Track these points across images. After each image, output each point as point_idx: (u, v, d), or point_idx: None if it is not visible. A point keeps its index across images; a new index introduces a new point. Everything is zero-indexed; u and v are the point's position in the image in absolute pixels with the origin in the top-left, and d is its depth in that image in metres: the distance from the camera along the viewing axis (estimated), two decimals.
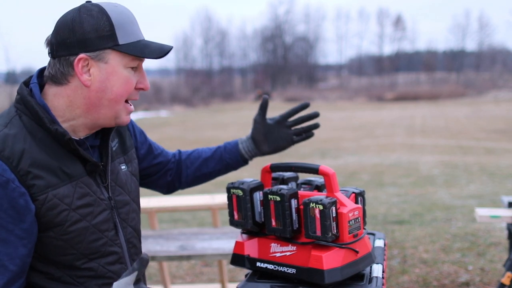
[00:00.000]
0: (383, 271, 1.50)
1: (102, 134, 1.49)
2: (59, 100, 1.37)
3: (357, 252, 1.41)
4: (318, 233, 1.38)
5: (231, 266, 4.79)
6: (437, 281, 4.31)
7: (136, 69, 1.41)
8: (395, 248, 5.16)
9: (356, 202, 1.53)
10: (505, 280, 3.31)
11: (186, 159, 1.87)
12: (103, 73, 1.35)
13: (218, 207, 4.02)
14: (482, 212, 3.70)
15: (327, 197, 1.41)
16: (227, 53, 66.16)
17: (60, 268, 1.38)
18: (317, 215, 1.38)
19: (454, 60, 63.62)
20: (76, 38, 1.32)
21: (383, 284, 1.44)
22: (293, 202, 1.46)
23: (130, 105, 1.45)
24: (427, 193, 8.04)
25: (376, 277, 1.45)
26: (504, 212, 3.65)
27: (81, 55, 1.33)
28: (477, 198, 7.42)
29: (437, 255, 4.94)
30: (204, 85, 52.03)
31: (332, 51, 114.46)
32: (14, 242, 1.27)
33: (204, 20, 64.57)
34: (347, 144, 15.20)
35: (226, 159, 1.84)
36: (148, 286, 1.57)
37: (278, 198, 1.45)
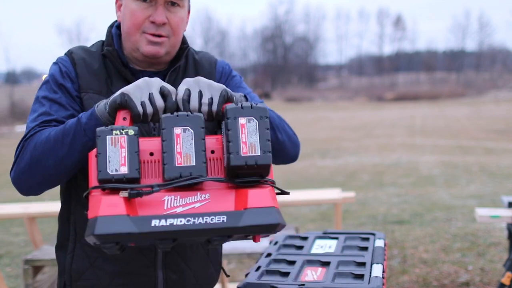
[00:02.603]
0: (383, 271, 1.50)
1: (167, 73, 1.57)
2: (122, 36, 1.56)
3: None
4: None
5: (231, 266, 4.79)
6: (437, 281, 4.31)
7: (151, 3, 1.48)
8: (395, 248, 5.16)
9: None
10: (505, 280, 3.31)
11: None
12: (123, 8, 1.53)
13: None
14: (482, 212, 3.70)
15: None
16: (227, 53, 66.17)
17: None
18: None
19: (454, 60, 63.66)
20: None
21: (383, 284, 1.44)
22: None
23: (158, 36, 1.48)
24: (427, 193, 8.04)
25: (376, 277, 1.45)
26: (504, 212, 3.65)
27: None
28: (477, 198, 7.42)
29: (437, 255, 4.94)
30: None
31: (332, 51, 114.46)
32: (62, 106, 1.44)
33: (204, 20, 64.59)
34: (347, 144, 15.20)
35: None
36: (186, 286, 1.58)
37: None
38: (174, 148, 1.14)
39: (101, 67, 1.52)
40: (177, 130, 1.16)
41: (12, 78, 42.26)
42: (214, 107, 1.27)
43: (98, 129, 1.15)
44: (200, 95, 1.27)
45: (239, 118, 1.17)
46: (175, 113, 1.18)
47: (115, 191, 1.12)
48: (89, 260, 1.46)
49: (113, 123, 1.25)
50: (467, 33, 64.71)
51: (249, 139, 1.17)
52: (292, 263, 1.63)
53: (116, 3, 1.58)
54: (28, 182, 1.35)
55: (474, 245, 5.22)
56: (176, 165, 1.13)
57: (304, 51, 66.26)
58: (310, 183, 8.86)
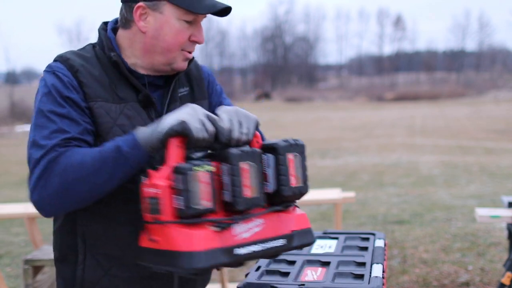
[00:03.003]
0: (383, 271, 1.50)
1: (168, 77, 1.57)
2: (124, 41, 1.52)
3: (153, 240, 1.23)
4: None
5: None
6: (437, 281, 4.31)
7: (192, 23, 1.49)
8: (395, 248, 5.16)
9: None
10: (505, 280, 3.31)
11: None
12: (157, 22, 1.47)
13: None
14: (482, 212, 3.70)
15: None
16: (227, 53, 66.24)
17: None
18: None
19: (454, 60, 63.65)
20: None
21: (383, 284, 1.44)
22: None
23: (189, 52, 1.53)
24: (427, 193, 8.04)
25: (376, 277, 1.45)
26: (504, 212, 3.65)
27: (140, 3, 1.46)
28: (477, 198, 7.42)
29: (437, 255, 4.94)
30: None
31: (332, 51, 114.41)
32: (73, 120, 1.38)
33: (204, 20, 64.42)
34: (347, 144, 15.19)
35: None
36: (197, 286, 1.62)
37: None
38: (242, 182, 1.27)
39: (102, 73, 1.48)
40: (244, 165, 1.28)
41: (12, 78, 42.22)
42: (250, 137, 1.39)
43: (180, 165, 1.22)
44: (240, 125, 1.38)
45: (287, 154, 1.36)
46: (240, 149, 1.30)
47: (198, 224, 1.22)
48: (102, 269, 1.46)
49: (159, 150, 1.32)
50: (467, 33, 64.75)
51: (296, 172, 1.37)
52: (292, 263, 1.63)
53: (135, 11, 1.47)
54: (56, 207, 1.35)
55: (474, 245, 5.22)
56: (245, 196, 1.27)
57: (304, 51, 66.25)
58: (310, 183, 8.82)
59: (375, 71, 63.91)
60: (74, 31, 56.47)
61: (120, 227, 1.44)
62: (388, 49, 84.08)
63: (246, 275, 1.53)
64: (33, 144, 1.35)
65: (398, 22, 66.29)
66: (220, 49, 65.56)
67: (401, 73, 63.02)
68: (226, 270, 4.21)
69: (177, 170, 1.20)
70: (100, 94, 1.44)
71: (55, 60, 1.48)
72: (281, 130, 19.36)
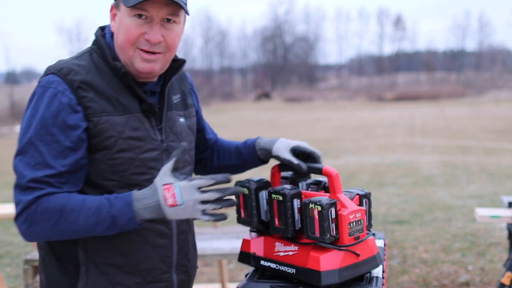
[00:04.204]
0: (383, 271, 1.50)
1: (163, 82, 1.57)
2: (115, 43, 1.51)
3: (357, 255, 1.39)
4: (317, 234, 1.38)
5: (231, 266, 4.79)
6: (437, 281, 4.31)
7: (147, 20, 1.44)
8: (395, 248, 5.16)
9: (360, 204, 1.52)
10: (505, 280, 3.31)
11: (219, 145, 1.87)
12: (117, 20, 1.49)
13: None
14: (482, 212, 3.69)
15: (328, 198, 1.40)
16: (227, 53, 66.20)
17: (103, 193, 1.43)
18: (316, 216, 1.37)
19: (454, 60, 63.62)
20: None
21: (383, 284, 1.44)
22: (296, 202, 1.45)
23: (152, 53, 1.46)
24: (427, 193, 8.04)
25: (376, 277, 1.45)
26: (504, 212, 3.65)
27: (112, 4, 1.51)
28: (477, 198, 7.42)
29: (437, 255, 4.94)
30: (204, 85, 51.97)
31: (332, 51, 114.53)
32: (63, 152, 1.38)
33: (204, 20, 64.44)
34: (347, 144, 15.19)
35: (244, 154, 1.79)
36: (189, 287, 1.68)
37: (280, 198, 1.45)
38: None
39: (103, 84, 1.45)
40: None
41: (12, 78, 42.25)
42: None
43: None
44: None
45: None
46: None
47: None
48: (106, 277, 1.47)
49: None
50: (467, 33, 64.70)
51: None
52: None
53: (110, 11, 1.52)
54: (40, 241, 1.48)
55: (474, 245, 5.22)
56: None
57: (304, 51, 66.21)
58: None
59: (375, 71, 63.87)
60: (74, 31, 56.56)
61: (122, 235, 1.45)
62: (388, 49, 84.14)
63: (246, 275, 1.53)
64: (19, 175, 1.38)
65: (398, 22, 66.27)
66: (220, 49, 65.57)
67: (401, 73, 62.98)
68: (226, 270, 4.21)
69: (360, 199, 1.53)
70: (104, 108, 1.43)
71: (52, 73, 1.43)
72: (281, 130, 19.36)
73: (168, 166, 1.36)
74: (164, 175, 1.35)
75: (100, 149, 1.43)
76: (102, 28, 1.57)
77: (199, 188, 1.33)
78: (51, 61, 1.49)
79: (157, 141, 1.51)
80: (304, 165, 1.58)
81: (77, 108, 1.40)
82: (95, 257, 1.46)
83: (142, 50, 1.46)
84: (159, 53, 1.47)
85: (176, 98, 1.62)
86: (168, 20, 1.47)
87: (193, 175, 1.71)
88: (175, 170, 1.36)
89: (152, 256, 1.51)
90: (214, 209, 1.34)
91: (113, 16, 1.51)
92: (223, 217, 1.35)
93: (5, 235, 6.24)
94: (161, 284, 1.54)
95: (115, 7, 1.49)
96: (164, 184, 1.34)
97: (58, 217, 1.34)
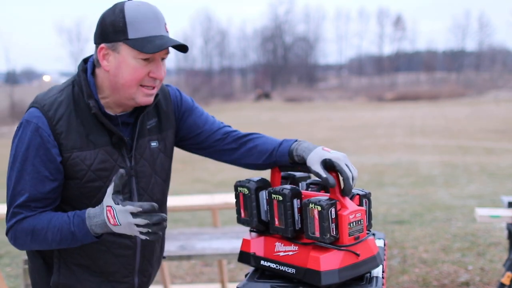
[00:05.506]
0: (383, 271, 1.50)
1: (137, 113, 1.71)
2: (98, 80, 1.65)
3: (357, 255, 1.40)
4: (317, 234, 1.38)
5: (231, 266, 4.79)
6: (437, 281, 4.31)
7: (150, 60, 1.60)
8: (395, 248, 5.16)
9: (360, 204, 1.52)
10: (505, 280, 3.31)
11: (252, 142, 1.81)
12: (116, 61, 1.59)
13: (218, 207, 4.02)
14: (482, 212, 3.69)
15: (328, 198, 1.40)
16: (227, 53, 66.14)
17: (76, 209, 1.64)
18: (316, 216, 1.37)
19: (454, 60, 63.57)
20: (100, 31, 1.61)
21: (383, 284, 1.44)
22: (296, 202, 1.45)
23: (152, 88, 1.63)
24: (427, 193, 8.04)
25: (376, 277, 1.45)
26: (504, 212, 3.65)
27: (102, 45, 1.60)
28: (477, 198, 7.42)
29: (437, 255, 4.94)
30: (204, 85, 51.99)
31: (332, 51, 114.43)
32: (42, 180, 1.58)
33: (204, 20, 64.47)
34: (347, 144, 15.19)
35: (275, 156, 1.72)
36: (148, 286, 1.83)
37: (280, 198, 1.45)
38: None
39: (78, 122, 1.61)
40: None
41: (12, 78, 42.21)
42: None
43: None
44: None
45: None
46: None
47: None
48: (75, 274, 1.70)
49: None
50: (467, 33, 64.62)
51: None
52: None
53: (99, 52, 1.61)
54: (28, 250, 1.70)
55: (474, 245, 5.22)
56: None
57: (304, 51, 66.16)
58: None
59: (375, 71, 63.82)
60: (74, 31, 56.32)
61: (89, 244, 1.63)
62: (388, 49, 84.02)
63: (246, 275, 1.53)
64: (11, 200, 1.60)
65: (398, 22, 66.21)
66: (220, 49, 65.50)
67: (401, 73, 62.95)
68: (226, 270, 4.21)
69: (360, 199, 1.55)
70: (75, 145, 1.61)
71: (36, 107, 1.61)
72: (281, 130, 19.36)
73: (109, 190, 1.50)
74: (108, 196, 1.51)
75: (73, 178, 1.62)
76: (85, 60, 1.69)
77: (131, 212, 1.46)
78: (51, 61, 1.59)
79: (125, 168, 1.67)
80: (332, 180, 1.49)
81: (55, 143, 1.59)
82: (67, 257, 1.69)
83: (145, 86, 1.62)
84: (156, 86, 1.66)
85: (150, 123, 1.75)
86: (162, 59, 1.65)
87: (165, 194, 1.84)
88: (116, 193, 1.49)
89: (115, 263, 1.72)
90: (147, 231, 1.46)
91: (104, 56, 1.60)
92: (158, 236, 1.48)
93: (5, 235, 6.23)
94: (122, 285, 1.75)
95: (109, 48, 1.59)
96: (107, 206, 1.50)
97: (31, 236, 1.58)
